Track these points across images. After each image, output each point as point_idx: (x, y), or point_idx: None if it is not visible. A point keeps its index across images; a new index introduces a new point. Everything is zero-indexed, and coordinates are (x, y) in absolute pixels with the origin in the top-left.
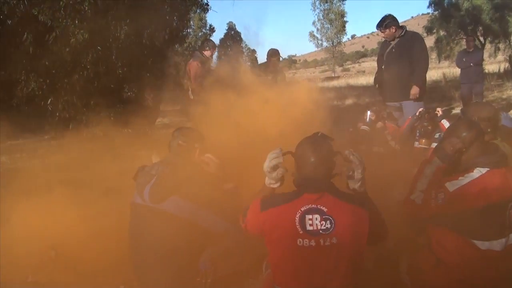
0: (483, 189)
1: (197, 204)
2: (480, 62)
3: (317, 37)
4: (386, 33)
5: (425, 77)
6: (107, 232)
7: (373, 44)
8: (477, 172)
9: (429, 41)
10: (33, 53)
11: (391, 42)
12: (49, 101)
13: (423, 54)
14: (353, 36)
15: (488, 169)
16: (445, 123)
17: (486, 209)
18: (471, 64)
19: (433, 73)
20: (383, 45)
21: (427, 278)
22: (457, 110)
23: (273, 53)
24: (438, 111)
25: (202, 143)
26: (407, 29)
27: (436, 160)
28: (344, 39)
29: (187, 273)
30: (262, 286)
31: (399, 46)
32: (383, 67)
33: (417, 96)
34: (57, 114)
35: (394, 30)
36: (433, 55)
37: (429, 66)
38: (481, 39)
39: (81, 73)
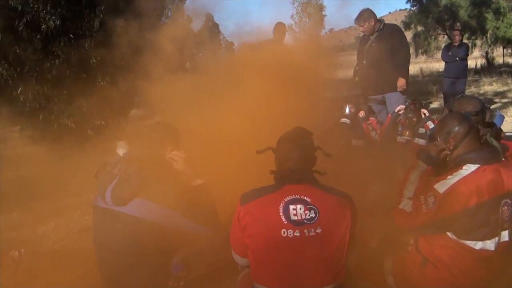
0: (473, 187)
1: (164, 205)
2: (465, 57)
3: (295, 31)
4: (365, 26)
5: (408, 68)
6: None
7: (350, 39)
8: (466, 170)
9: (407, 36)
10: (2, 40)
11: (370, 37)
12: (19, 90)
13: (404, 45)
14: (330, 30)
15: (479, 165)
16: (430, 125)
17: (478, 208)
18: (457, 58)
19: (411, 68)
20: (362, 40)
21: (413, 278)
22: (435, 105)
23: (281, 28)
24: (424, 113)
25: (176, 139)
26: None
27: (420, 163)
28: (322, 33)
29: (158, 277)
30: (239, 286)
31: (378, 39)
32: (364, 62)
33: (404, 87)
34: (27, 104)
35: (373, 23)
36: (410, 50)
37: None
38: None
39: (53, 61)
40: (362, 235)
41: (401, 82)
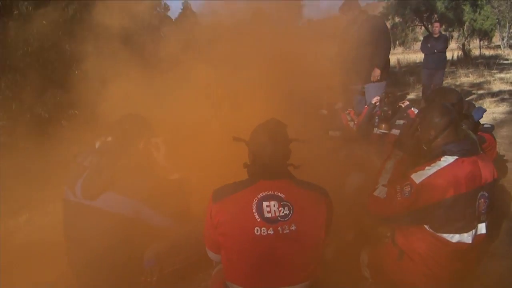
0: (451, 179)
1: (136, 199)
2: (444, 49)
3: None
4: (349, 15)
5: (388, 59)
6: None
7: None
8: (444, 161)
9: None
10: None
11: (354, 27)
12: None
13: (385, 36)
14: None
15: (457, 157)
16: (415, 111)
17: (455, 200)
18: (436, 50)
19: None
20: (345, 30)
21: (389, 271)
22: (411, 96)
23: None
24: (404, 102)
25: (149, 131)
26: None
27: (396, 152)
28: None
29: (131, 272)
30: (212, 282)
31: (361, 30)
32: (345, 51)
33: (378, 78)
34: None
35: (357, 13)
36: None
37: None
38: None
39: (25, 48)
40: (338, 227)
41: (376, 72)
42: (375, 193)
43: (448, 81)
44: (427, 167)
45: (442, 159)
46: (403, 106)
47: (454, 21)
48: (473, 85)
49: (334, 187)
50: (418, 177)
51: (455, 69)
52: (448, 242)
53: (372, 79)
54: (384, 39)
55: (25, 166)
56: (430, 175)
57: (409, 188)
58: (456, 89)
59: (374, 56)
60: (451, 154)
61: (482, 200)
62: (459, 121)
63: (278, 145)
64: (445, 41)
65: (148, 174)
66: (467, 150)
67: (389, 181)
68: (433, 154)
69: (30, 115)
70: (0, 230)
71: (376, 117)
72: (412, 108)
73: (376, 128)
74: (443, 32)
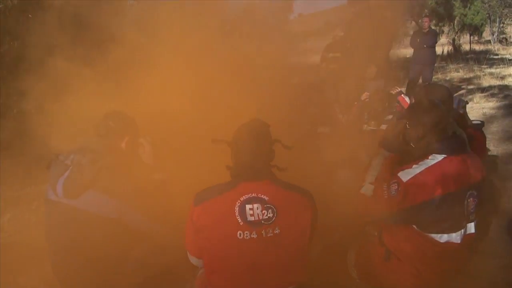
0: (439, 177)
1: (118, 199)
2: (434, 44)
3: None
4: (356, 8)
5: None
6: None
7: (319, 23)
8: (432, 159)
9: None
10: None
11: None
12: None
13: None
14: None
15: (445, 155)
16: (406, 98)
17: (444, 199)
18: (425, 45)
19: None
20: (350, 26)
21: (376, 271)
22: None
23: None
24: (396, 88)
25: (134, 129)
26: None
27: (383, 151)
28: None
29: (114, 274)
30: (198, 285)
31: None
32: (348, 45)
33: (373, 75)
34: None
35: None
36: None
37: None
38: None
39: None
40: (325, 226)
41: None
42: (362, 191)
43: (438, 76)
44: (414, 166)
45: (430, 157)
46: (393, 93)
47: (444, 15)
48: (463, 80)
49: (321, 184)
50: (405, 175)
51: (445, 64)
52: (436, 242)
53: (366, 76)
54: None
55: (10, 163)
56: (417, 174)
57: (396, 187)
58: (445, 84)
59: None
60: (439, 152)
61: (471, 199)
62: (448, 118)
63: (261, 146)
64: (435, 36)
65: (131, 173)
66: (455, 148)
67: (376, 179)
68: (421, 152)
69: (17, 110)
70: None
71: (366, 113)
72: (402, 95)
73: (365, 125)
74: (433, 27)
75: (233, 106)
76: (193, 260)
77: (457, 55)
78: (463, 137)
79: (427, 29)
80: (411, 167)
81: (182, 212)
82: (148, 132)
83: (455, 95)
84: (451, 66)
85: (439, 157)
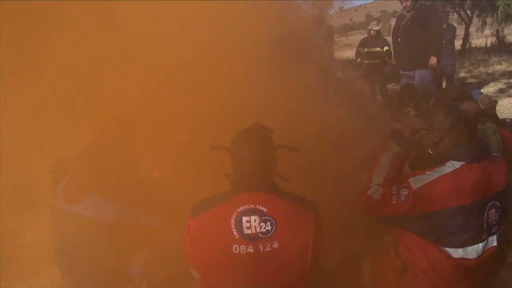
0: (455, 187)
1: (119, 202)
2: (452, 40)
3: (303, 10)
4: (407, 2)
5: (441, 47)
6: None
7: (360, 17)
8: (449, 167)
9: None
10: None
11: (406, 15)
12: None
13: (438, 25)
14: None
15: (463, 163)
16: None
17: (458, 211)
18: (444, 41)
19: None
20: (399, 18)
21: (391, 285)
22: None
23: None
24: (409, 111)
25: (134, 131)
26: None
27: (393, 145)
28: (332, 11)
29: (118, 280)
30: None
31: (414, 18)
32: (399, 40)
33: (435, 66)
34: None
35: (413, 0)
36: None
37: None
38: (468, 12)
39: None
40: (343, 232)
41: (433, 60)
42: (369, 192)
43: (480, 70)
44: (428, 172)
45: (447, 164)
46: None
47: (487, 6)
48: (504, 73)
49: (343, 187)
50: (416, 182)
51: (488, 57)
52: (451, 257)
53: (429, 67)
54: (436, 27)
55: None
56: (430, 182)
57: (406, 192)
58: (487, 78)
59: (427, 45)
60: (458, 159)
61: (492, 210)
62: (468, 121)
63: (261, 154)
64: (453, 31)
65: (131, 174)
66: (476, 154)
67: (384, 180)
68: (438, 158)
69: None
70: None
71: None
72: None
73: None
74: (475, 18)
75: (258, 103)
76: (193, 272)
77: (500, 47)
78: (484, 142)
79: (445, 25)
80: (424, 173)
81: (182, 208)
82: (146, 129)
83: (474, 91)
84: (494, 58)
85: (457, 165)
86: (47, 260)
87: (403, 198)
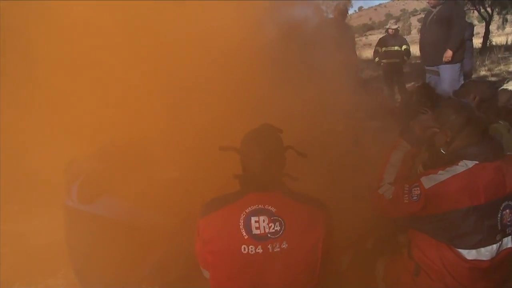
0: (467, 186)
1: (133, 201)
2: (470, 37)
3: (323, 10)
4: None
5: (461, 42)
6: None
7: (380, 17)
8: (462, 166)
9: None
10: None
11: (433, 11)
12: None
13: (460, 20)
14: (360, 8)
15: (477, 162)
16: None
17: (470, 212)
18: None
19: None
20: (427, 14)
21: (405, 287)
22: None
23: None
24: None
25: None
26: None
27: (404, 143)
28: (351, 11)
29: (131, 279)
30: None
31: (439, 13)
32: (425, 35)
33: (449, 59)
34: None
35: None
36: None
37: None
38: (489, 10)
39: None
40: (356, 234)
41: (448, 53)
42: (380, 191)
43: (500, 68)
44: (440, 171)
45: (459, 163)
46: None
47: (507, 3)
48: None
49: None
50: (428, 181)
51: (508, 55)
52: (464, 259)
53: (443, 60)
54: (458, 22)
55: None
56: (443, 181)
57: (419, 191)
58: (508, 77)
59: (448, 38)
60: (470, 158)
61: (507, 210)
62: (481, 120)
63: (270, 154)
64: (471, 28)
65: (145, 174)
66: (489, 153)
67: (396, 179)
68: (451, 157)
69: None
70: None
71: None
72: None
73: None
74: (495, 16)
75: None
76: (204, 272)
77: None
78: (498, 140)
79: None
80: (436, 173)
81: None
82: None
83: (500, 89)
84: None
85: (470, 164)
86: (63, 259)
87: (415, 198)
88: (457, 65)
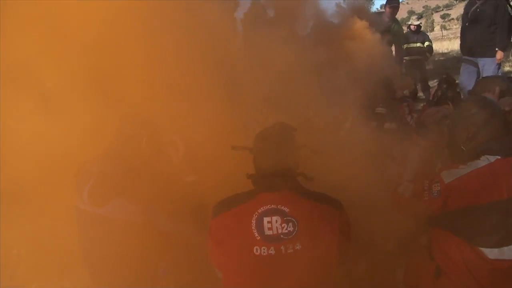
0: (489, 181)
1: (145, 204)
2: None
3: (343, 8)
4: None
5: (509, 39)
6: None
7: (402, 13)
8: (484, 161)
9: (459, 6)
10: None
11: (477, 1)
12: None
13: (506, 17)
14: (381, 6)
15: (499, 157)
16: None
17: (493, 207)
18: None
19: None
20: (469, 3)
21: None
22: None
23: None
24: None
25: (150, 130)
26: None
27: (419, 140)
28: (373, 9)
29: (145, 281)
30: None
31: (483, 5)
32: (466, 24)
33: (501, 60)
34: None
35: None
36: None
37: (451, 36)
38: None
39: None
40: (375, 235)
41: (500, 55)
42: (400, 190)
43: None
44: (461, 166)
45: (481, 158)
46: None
47: None
48: None
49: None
50: (448, 176)
51: None
52: (485, 258)
53: (496, 62)
54: (504, 19)
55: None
56: (463, 176)
57: (439, 188)
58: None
59: (492, 35)
60: (492, 154)
61: None
62: (503, 115)
63: (283, 152)
64: None
65: (157, 176)
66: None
67: (415, 177)
68: (473, 153)
69: None
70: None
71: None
72: None
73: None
74: None
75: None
76: (218, 273)
77: None
78: None
79: None
80: (457, 167)
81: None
82: (176, 133)
83: None
84: None
85: (492, 159)
86: (79, 261)
87: (436, 194)
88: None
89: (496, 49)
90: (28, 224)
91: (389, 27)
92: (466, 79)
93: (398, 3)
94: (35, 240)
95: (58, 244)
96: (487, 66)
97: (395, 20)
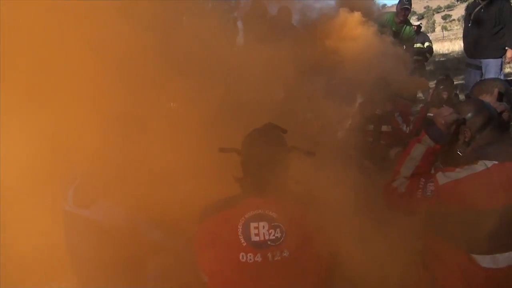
0: (485, 187)
1: (129, 207)
2: None
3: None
4: None
5: None
6: None
7: (419, 8)
8: (481, 166)
9: (461, 8)
10: None
11: (481, 2)
12: None
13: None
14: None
15: (495, 162)
16: None
17: (488, 213)
18: None
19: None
20: (472, 4)
21: None
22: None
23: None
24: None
25: (142, 130)
26: None
27: (427, 139)
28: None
29: (133, 284)
30: None
31: (487, 6)
32: (469, 25)
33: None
34: None
35: None
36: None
37: (452, 37)
38: None
39: None
40: (367, 240)
41: (510, 53)
42: (394, 184)
43: None
44: (457, 169)
45: (479, 163)
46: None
47: None
48: None
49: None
50: (443, 177)
51: None
52: (479, 266)
53: (507, 60)
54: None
55: None
56: (459, 179)
57: (433, 187)
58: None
59: (497, 35)
60: (489, 158)
61: None
62: (500, 119)
63: (272, 155)
64: None
65: (143, 179)
66: (509, 153)
67: (413, 174)
68: (470, 158)
69: None
70: None
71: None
72: None
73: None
74: None
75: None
76: (204, 277)
77: None
78: None
79: None
80: (453, 170)
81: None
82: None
83: None
84: None
85: (489, 164)
86: (66, 263)
87: (429, 194)
88: (500, 60)
89: (506, 48)
90: (13, 226)
91: (401, 28)
92: (472, 83)
93: (410, 4)
94: (22, 242)
95: (46, 246)
96: (490, 67)
97: (407, 22)
